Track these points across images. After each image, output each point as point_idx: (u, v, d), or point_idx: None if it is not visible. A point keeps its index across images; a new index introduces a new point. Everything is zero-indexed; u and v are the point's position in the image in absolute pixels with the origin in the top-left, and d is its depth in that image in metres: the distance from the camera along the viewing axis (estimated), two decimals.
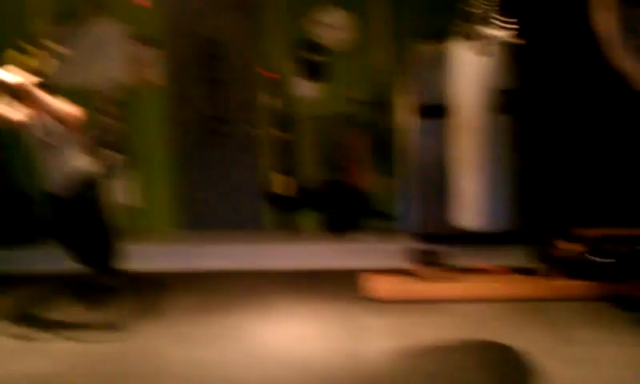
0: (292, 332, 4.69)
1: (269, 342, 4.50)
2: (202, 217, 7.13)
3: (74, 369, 4.18)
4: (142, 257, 6.21)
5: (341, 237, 6.66)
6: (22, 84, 4.82)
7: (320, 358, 4.18)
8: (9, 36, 6.13)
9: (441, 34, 5.27)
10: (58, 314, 5.23)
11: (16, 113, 5.04)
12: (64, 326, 4.89)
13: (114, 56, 6.87)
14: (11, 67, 4.83)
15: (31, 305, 5.43)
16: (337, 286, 5.60)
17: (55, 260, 5.70)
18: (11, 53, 4.97)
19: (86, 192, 5.27)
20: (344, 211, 6.79)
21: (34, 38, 5.46)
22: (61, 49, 5.53)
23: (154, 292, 5.67)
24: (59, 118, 4.97)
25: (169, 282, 5.94)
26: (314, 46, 6.77)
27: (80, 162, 5.24)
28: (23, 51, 5.09)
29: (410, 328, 4.61)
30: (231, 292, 5.59)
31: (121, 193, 6.82)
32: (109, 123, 6.86)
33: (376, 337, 4.49)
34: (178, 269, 6.27)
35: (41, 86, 4.96)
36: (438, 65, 5.14)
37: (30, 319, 5.10)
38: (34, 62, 5.08)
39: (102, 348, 4.50)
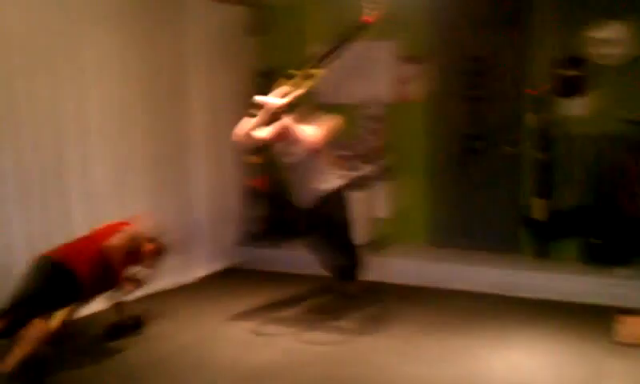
0: (522, 364, 4.34)
1: (497, 371, 4.21)
2: (454, 234, 6.98)
3: (300, 366, 4.31)
4: (391, 269, 6.41)
5: (603, 269, 5.98)
6: (278, 107, 5.18)
7: None
8: (283, 61, 6.53)
9: None
10: (300, 312, 5.51)
11: (265, 132, 5.30)
12: (302, 325, 5.13)
13: (380, 74, 7.08)
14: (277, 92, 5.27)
15: (279, 302, 5.76)
16: (586, 322, 5.12)
17: (307, 263, 6.11)
18: (281, 80, 5.26)
19: (331, 208, 5.52)
20: (611, 240, 6.11)
21: (306, 61, 5.70)
22: (329, 69, 5.76)
23: (394, 304, 5.69)
24: (303, 143, 5.30)
25: (412, 296, 5.98)
26: (582, 62, 6.25)
27: (324, 181, 5.50)
28: (292, 76, 5.34)
29: None
30: (470, 313, 5.44)
31: (376, 206, 6.94)
32: (369, 138, 7.05)
33: None
34: (423, 284, 6.24)
35: (304, 105, 5.38)
36: None
37: (275, 315, 5.40)
38: (303, 85, 5.31)
39: (331, 351, 4.59)
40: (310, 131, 5.37)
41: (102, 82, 5.64)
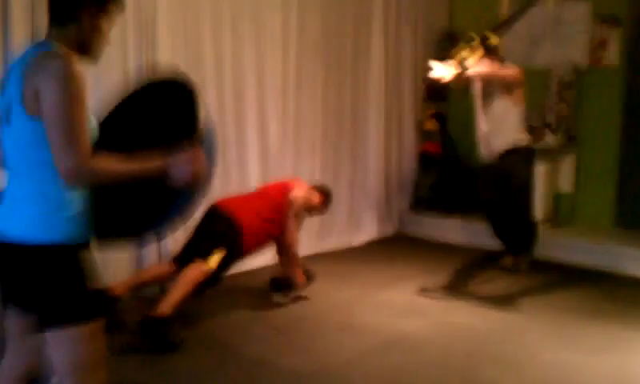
0: None
1: None
2: None
3: (448, 339, 4.23)
4: (568, 247, 6.05)
5: None
6: (447, 78, 5.06)
7: None
8: (472, 23, 6.38)
9: None
10: (460, 284, 5.38)
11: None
12: (460, 297, 5.04)
13: (572, 36, 6.64)
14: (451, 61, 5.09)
15: (441, 271, 5.63)
16: None
17: (475, 234, 6.21)
18: (460, 50, 5.18)
19: (515, 166, 5.39)
20: None
21: (492, 24, 5.53)
22: (515, 32, 5.58)
23: (562, 285, 5.41)
24: (500, 79, 5.26)
25: (584, 278, 5.62)
26: None
27: (514, 135, 5.37)
28: (471, 40, 5.20)
29: None
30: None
31: (560, 179, 6.67)
32: (556, 104, 6.66)
33: None
34: (599, 267, 5.79)
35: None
36: None
37: (434, 284, 5.30)
38: (479, 51, 5.16)
39: (483, 327, 4.44)
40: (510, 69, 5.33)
41: (282, 41, 5.79)
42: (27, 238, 1.99)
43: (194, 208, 2.28)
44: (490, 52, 5.28)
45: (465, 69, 5.04)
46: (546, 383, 3.61)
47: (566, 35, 6.65)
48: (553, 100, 6.69)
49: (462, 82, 5.28)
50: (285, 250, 4.84)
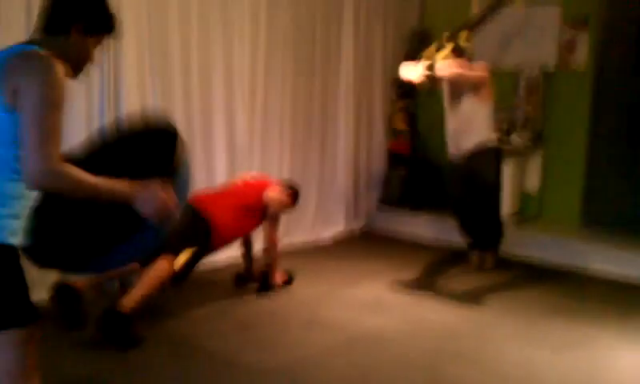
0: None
1: (621, 365, 3.88)
2: (605, 214, 6.36)
3: (412, 336, 4.22)
4: (533, 245, 6.11)
5: None
6: (421, 79, 5.23)
7: None
8: (443, 22, 6.40)
9: None
10: (426, 281, 5.39)
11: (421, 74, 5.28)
12: (425, 294, 5.03)
13: (541, 38, 6.68)
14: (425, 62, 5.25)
15: (408, 268, 5.64)
16: None
17: (443, 231, 6.24)
18: (429, 49, 5.37)
19: (484, 164, 5.41)
20: None
21: (462, 23, 5.65)
22: (485, 33, 5.83)
23: (528, 282, 5.46)
24: (467, 80, 5.28)
25: (550, 276, 5.68)
26: None
27: (483, 134, 5.39)
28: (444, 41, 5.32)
29: None
30: (608, 301, 5.05)
31: (527, 177, 6.72)
32: (524, 105, 6.71)
33: None
34: (565, 265, 5.88)
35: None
36: None
37: (400, 281, 5.28)
38: (447, 51, 5.31)
39: (448, 324, 4.46)
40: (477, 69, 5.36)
41: (250, 35, 5.74)
42: None
43: (153, 243, 2.30)
44: (459, 53, 5.34)
45: (433, 72, 5.15)
46: (509, 380, 3.62)
47: (535, 37, 6.70)
48: (521, 100, 6.74)
49: (431, 83, 5.33)
50: (264, 250, 4.88)
